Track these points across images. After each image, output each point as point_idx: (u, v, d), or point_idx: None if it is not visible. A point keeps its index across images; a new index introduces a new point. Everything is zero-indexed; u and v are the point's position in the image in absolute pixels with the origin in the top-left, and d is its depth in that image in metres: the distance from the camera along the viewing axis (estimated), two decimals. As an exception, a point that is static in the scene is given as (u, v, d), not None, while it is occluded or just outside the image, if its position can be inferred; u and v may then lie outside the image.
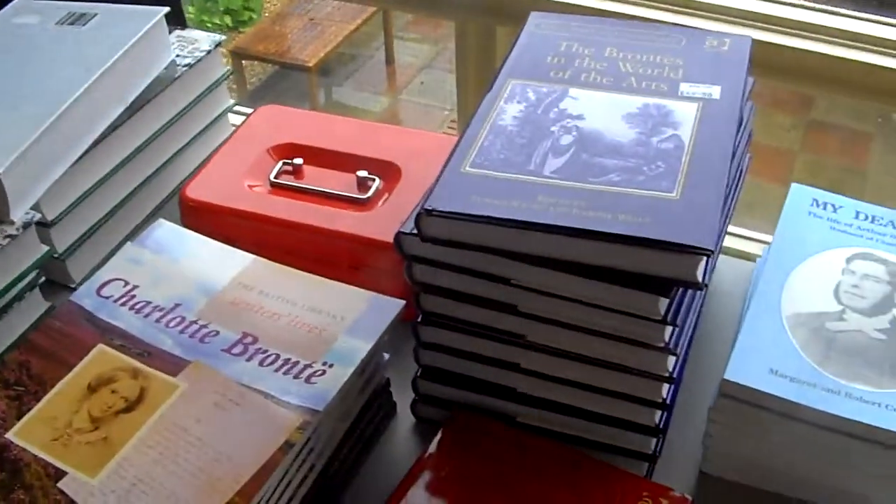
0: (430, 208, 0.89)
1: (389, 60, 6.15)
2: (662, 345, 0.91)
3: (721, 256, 1.25)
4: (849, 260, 1.07)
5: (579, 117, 0.99)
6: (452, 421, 1.01)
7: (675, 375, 0.94)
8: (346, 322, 1.00)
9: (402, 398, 1.08)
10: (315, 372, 0.95)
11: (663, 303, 0.88)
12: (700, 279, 0.86)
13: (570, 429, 1.02)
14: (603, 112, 1.00)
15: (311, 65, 5.53)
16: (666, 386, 0.95)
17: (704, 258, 0.85)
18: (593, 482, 0.96)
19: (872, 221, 1.12)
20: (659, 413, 0.97)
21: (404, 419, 1.09)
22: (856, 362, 0.97)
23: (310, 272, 1.05)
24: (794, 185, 1.16)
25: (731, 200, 1.09)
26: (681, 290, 0.90)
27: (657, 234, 0.85)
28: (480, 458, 0.97)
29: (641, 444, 1.01)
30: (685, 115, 0.99)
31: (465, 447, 0.99)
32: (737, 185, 1.11)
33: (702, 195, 0.89)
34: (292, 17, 6.02)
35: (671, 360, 0.93)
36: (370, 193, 1.19)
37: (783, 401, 0.94)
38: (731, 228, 1.18)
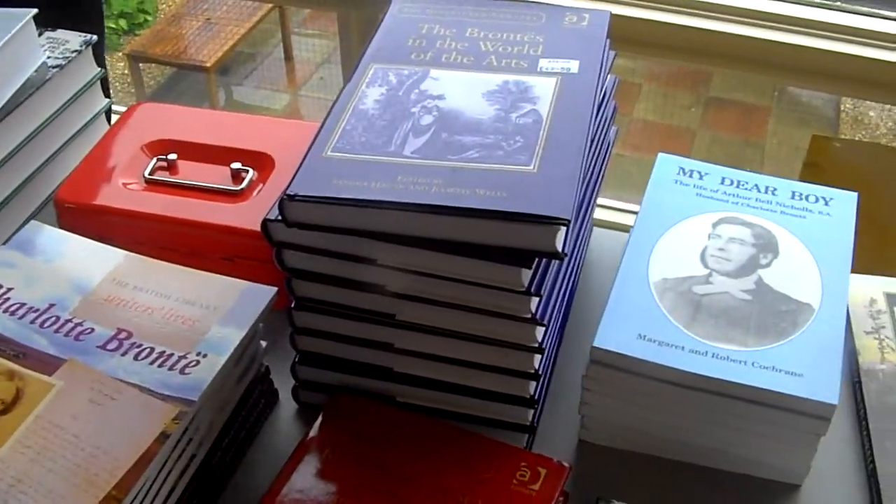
0: (292, 194, 0.89)
1: (288, 57, 6.13)
2: (529, 316, 0.92)
3: (598, 229, 1.27)
4: (715, 224, 1.09)
5: (440, 97, 1.00)
6: (332, 404, 1.02)
7: (545, 346, 0.95)
8: (219, 312, 1.00)
9: (284, 385, 1.09)
10: (189, 363, 0.95)
11: (526, 274, 0.89)
12: (559, 249, 0.87)
13: (448, 405, 1.03)
14: (463, 91, 1.01)
15: (209, 65, 5.50)
16: (537, 357, 0.96)
17: (562, 228, 0.86)
18: (472, 456, 0.97)
19: (738, 186, 1.14)
20: (533, 384, 0.98)
21: (287, 406, 1.10)
22: (722, 323, 0.99)
23: (187, 266, 1.05)
24: (660, 155, 1.18)
25: (597, 172, 1.11)
26: (543, 260, 0.91)
27: (514, 207, 0.86)
28: (360, 439, 0.98)
29: (519, 416, 1.02)
30: (544, 90, 1.00)
31: (346, 429, 1.00)
32: (602, 157, 1.13)
33: (559, 167, 0.91)
34: (188, 17, 5.98)
35: (540, 330, 0.94)
36: (244, 185, 1.19)
37: (652, 364, 0.96)
38: (610, 202, 1.20)
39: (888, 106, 5.33)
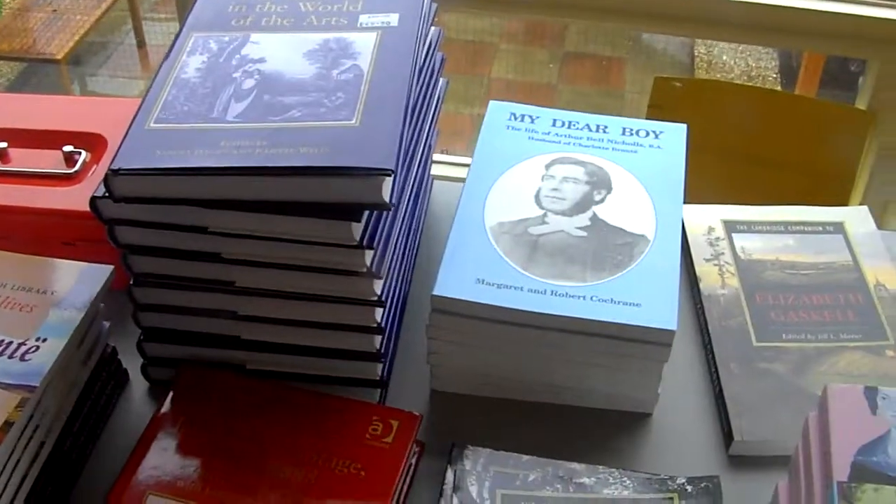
0: (115, 168, 0.89)
1: (140, 43, 6.03)
2: (365, 270, 0.92)
3: (447, 182, 1.27)
4: (548, 166, 1.11)
5: (261, 61, 0.99)
6: (181, 378, 1.01)
7: (385, 299, 0.96)
8: (57, 296, 0.99)
9: (134, 364, 1.07)
10: (29, 349, 0.94)
11: (357, 228, 0.89)
12: (387, 200, 0.88)
13: (298, 367, 1.03)
14: (284, 53, 1.00)
15: (59, 57, 5.39)
16: (379, 310, 0.97)
17: (387, 179, 0.87)
18: (324, 415, 0.97)
19: (569, 127, 1.16)
20: (378, 338, 0.99)
21: (139, 385, 1.09)
22: (559, 261, 1.00)
23: (29, 254, 1.04)
24: (491, 103, 1.19)
25: (428, 123, 1.11)
26: (374, 213, 0.91)
27: (337, 162, 0.86)
28: (213, 410, 0.98)
29: (369, 372, 1.02)
30: (364, 45, 1.00)
31: (197, 401, 0.99)
32: (433, 109, 1.13)
33: (381, 120, 0.91)
34: (33, 10, 5.85)
35: (378, 283, 0.94)
36: (77, 167, 1.17)
37: (491, 307, 0.96)
38: (456, 158, 1.20)
39: (741, 49, 5.42)
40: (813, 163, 1.96)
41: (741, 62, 5.54)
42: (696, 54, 5.53)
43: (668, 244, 1.02)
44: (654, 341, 0.96)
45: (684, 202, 1.08)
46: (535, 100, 5.01)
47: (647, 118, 1.92)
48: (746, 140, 1.98)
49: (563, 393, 1.03)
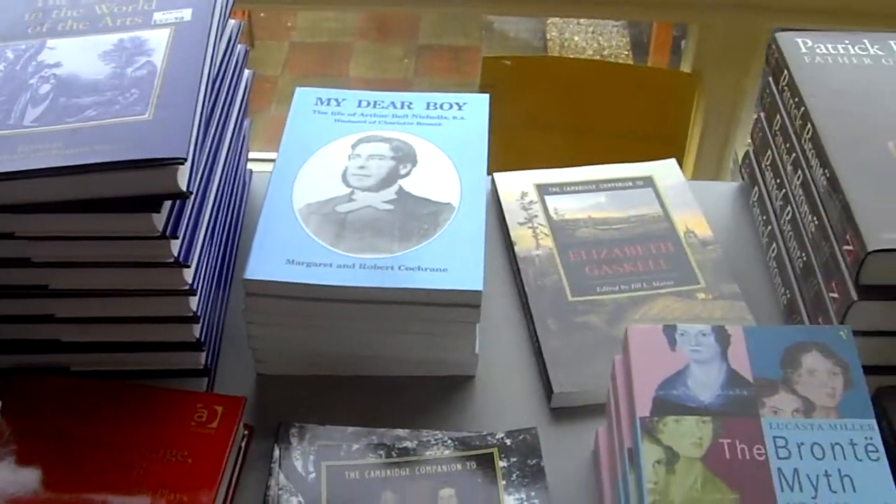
0: (-87, 182, 0.89)
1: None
2: (173, 259, 0.94)
3: (260, 175, 1.29)
4: (354, 145, 1.13)
5: (57, 65, 1.00)
6: (5, 387, 1.01)
7: (198, 288, 0.97)
8: None
9: (-38, 379, 1.07)
10: None
11: (158, 219, 0.91)
12: (184, 188, 0.89)
13: (123, 364, 1.04)
14: (80, 56, 1.01)
15: None
16: (193, 299, 0.98)
17: (182, 168, 0.88)
18: (150, 408, 0.98)
19: (375, 106, 1.18)
20: (196, 327, 1.00)
21: (-30, 399, 1.09)
22: (367, 235, 1.03)
23: None
24: (297, 90, 1.21)
25: (235, 113, 1.13)
26: (178, 203, 0.93)
27: (130, 155, 0.88)
28: (41, 415, 0.98)
29: (192, 361, 1.04)
30: (158, 41, 1.02)
31: (25, 409, 0.99)
32: (240, 99, 1.15)
33: (174, 112, 0.93)
34: None
35: (188, 272, 0.96)
36: None
37: (301, 285, 0.99)
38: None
39: (591, 29, 5.49)
40: (646, 128, 2.01)
41: (593, 42, 5.61)
42: (548, 37, 5.59)
43: (472, 210, 1.05)
44: (463, 303, 0.99)
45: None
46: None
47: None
48: (579, 112, 2.02)
49: (385, 363, 1.05)
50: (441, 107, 1.18)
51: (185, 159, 0.87)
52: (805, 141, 1.09)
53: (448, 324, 1.01)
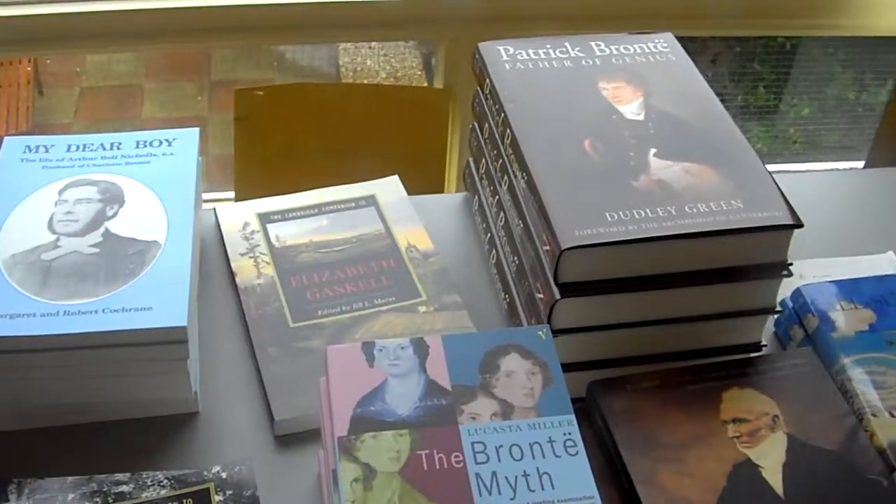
0: None
1: None
2: None
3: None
4: (61, 191, 1.12)
5: None
6: None
7: None
8: None
9: None
10: None
11: None
12: None
13: None
14: None
15: None
16: None
17: None
18: None
19: (84, 150, 1.17)
20: None
21: None
22: (73, 281, 1.01)
23: None
24: (5, 139, 1.19)
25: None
26: None
27: None
28: None
29: None
30: None
31: None
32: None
33: None
34: None
35: None
36: None
37: (3, 338, 0.96)
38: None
39: (383, 53, 5.53)
40: (406, 146, 2.03)
41: (385, 65, 5.66)
42: (340, 64, 5.62)
43: (179, 246, 1.05)
44: (169, 340, 0.98)
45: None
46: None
47: (235, 132, 1.96)
48: (337, 136, 2.03)
49: (103, 409, 1.04)
50: (150, 144, 1.17)
51: None
52: (506, 147, 1.11)
53: (157, 362, 1.00)
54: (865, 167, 2.78)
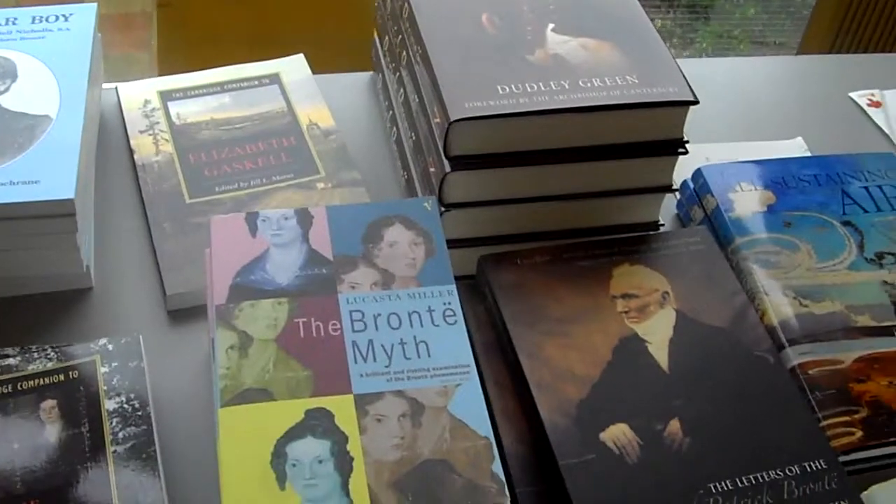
0: None
1: None
2: None
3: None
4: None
5: None
6: None
7: None
8: None
9: None
10: None
11: None
12: None
13: None
14: None
15: None
16: None
17: None
18: None
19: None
20: None
21: None
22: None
23: None
24: None
25: None
26: None
27: None
28: None
29: None
30: None
31: None
32: None
33: None
34: None
35: None
36: None
37: None
38: None
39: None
40: (333, 30, 2.00)
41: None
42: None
43: (70, 120, 1.03)
44: (56, 213, 0.97)
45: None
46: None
47: (158, 18, 1.93)
48: (264, 22, 2.01)
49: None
50: (47, 20, 1.15)
51: None
52: (405, 21, 1.09)
53: (46, 237, 0.99)
54: (797, 55, 2.78)
